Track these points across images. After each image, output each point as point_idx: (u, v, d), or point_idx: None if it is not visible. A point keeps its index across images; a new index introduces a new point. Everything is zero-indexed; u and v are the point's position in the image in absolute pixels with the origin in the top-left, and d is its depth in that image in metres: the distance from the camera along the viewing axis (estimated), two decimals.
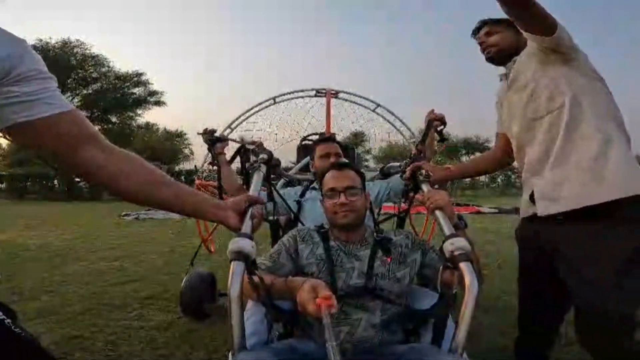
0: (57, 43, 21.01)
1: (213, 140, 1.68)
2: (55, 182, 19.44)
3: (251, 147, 1.61)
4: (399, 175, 1.72)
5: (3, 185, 19.42)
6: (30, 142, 0.68)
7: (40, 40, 20.46)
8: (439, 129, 1.71)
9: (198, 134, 1.70)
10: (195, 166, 2.61)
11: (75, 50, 21.67)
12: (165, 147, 25.65)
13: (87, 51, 21.89)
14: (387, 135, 2.96)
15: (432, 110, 1.79)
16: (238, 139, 1.73)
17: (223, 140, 1.72)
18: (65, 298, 2.76)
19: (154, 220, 8.00)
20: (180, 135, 29.53)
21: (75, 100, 22.18)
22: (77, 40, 21.48)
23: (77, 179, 18.26)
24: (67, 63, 20.80)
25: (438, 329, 1.00)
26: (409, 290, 1.16)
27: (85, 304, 2.60)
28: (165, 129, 28.62)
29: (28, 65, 0.64)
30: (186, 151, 29.45)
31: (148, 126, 26.93)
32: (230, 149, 1.74)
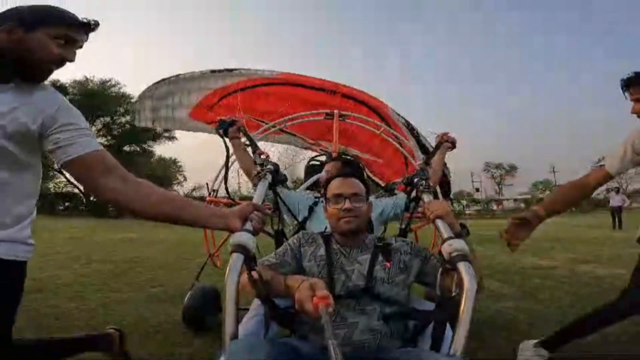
0: (98, 81, 26.10)
1: (225, 125, 1.69)
2: (84, 200, 21.76)
3: (260, 158, 1.65)
4: (403, 193, 1.73)
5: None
6: (74, 175, 0.94)
7: (86, 78, 25.51)
8: (448, 153, 1.75)
9: (207, 123, 1.72)
10: (207, 184, 2.67)
11: (111, 89, 26.31)
12: (160, 174, 27.97)
13: (121, 90, 26.44)
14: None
15: (446, 133, 1.84)
16: None
17: (236, 122, 1.74)
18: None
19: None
20: (174, 162, 32.01)
21: (104, 134, 27.19)
22: (114, 80, 26.32)
23: None
24: (104, 99, 25.45)
25: (437, 334, 0.98)
26: (407, 297, 1.15)
27: None
28: (160, 156, 30.69)
29: (67, 118, 0.93)
30: (180, 177, 32.42)
31: (145, 153, 29.09)
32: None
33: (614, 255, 5.55)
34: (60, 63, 0.97)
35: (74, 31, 0.96)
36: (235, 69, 3.02)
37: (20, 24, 0.91)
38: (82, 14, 0.98)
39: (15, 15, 0.92)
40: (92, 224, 13.51)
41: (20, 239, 0.95)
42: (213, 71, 3.02)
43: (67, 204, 23.23)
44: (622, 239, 7.70)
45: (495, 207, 34.95)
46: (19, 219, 0.95)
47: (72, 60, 0.98)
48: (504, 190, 46.50)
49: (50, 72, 0.97)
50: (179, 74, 3.09)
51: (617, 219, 11.90)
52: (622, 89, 1.51)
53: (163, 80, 3.11)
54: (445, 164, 2.84)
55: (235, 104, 2.94)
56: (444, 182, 2.94)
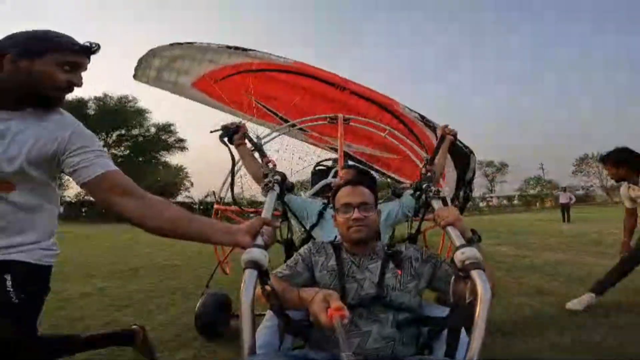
0: (116, 97, 27.61)
1: (229, 133, 1.58)
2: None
3: (267, 167, 1.66)
4: (409, 193, 1.73)
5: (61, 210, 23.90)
6: (91, 195, 0.99)
7: (105, 94, 26.94)
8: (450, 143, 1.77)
9: (211, 132, 1.60)
10: (214, 192, 2.68)
11: (128, 104, 27.60)
12: (169, 181, 29.21)
13: (137, 105, 27.82)
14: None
15: (447, 125, 1.84)
16: None
17: (240, 129, 1.64)
18: None
19: None
20: (180, 168, 33.13)
21: (117, 145, 28.91)
22: (130, 96, 27.65)
23: None
24: (123, 115, 26.96)
25: (451, 341, 0.97)
26: (419, 303, 1.15)
27: None
28: (166, 162, 31.42)
29: (81, 142, 0.96)
30: (187, 183, 33.74)
31: (155, 161, 30.12)
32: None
33: (521, 239, 7.41)
34: (68, 89, 0.98)
35: (77, 56, 0.97)
36: (251, 50, 2.92)
37: (23, 53, 0.91)
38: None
39: (14, 44, 0.91)
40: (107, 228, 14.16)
41: (46, 247, 1.07)
42: (229, 47, 2.95)
43: (86, 210, 25.09)
44: (547, 230, 9.77)
45: (481, 204, 38.47)
46: (51, 235, 1.09)
47: (79, 85, 0.99)
48: (497, 187, 49.12)
49: (61, 98, 0.98)
50: (194, 42, 3.02)
51: (565, 214, 13.25)
52: (601, 161, 2.60)
53: (176, 43, 3.03)
54: (471, 182, 2.93)
55: (243, 83, 2.94)
56: (464, 198, 2.99)
